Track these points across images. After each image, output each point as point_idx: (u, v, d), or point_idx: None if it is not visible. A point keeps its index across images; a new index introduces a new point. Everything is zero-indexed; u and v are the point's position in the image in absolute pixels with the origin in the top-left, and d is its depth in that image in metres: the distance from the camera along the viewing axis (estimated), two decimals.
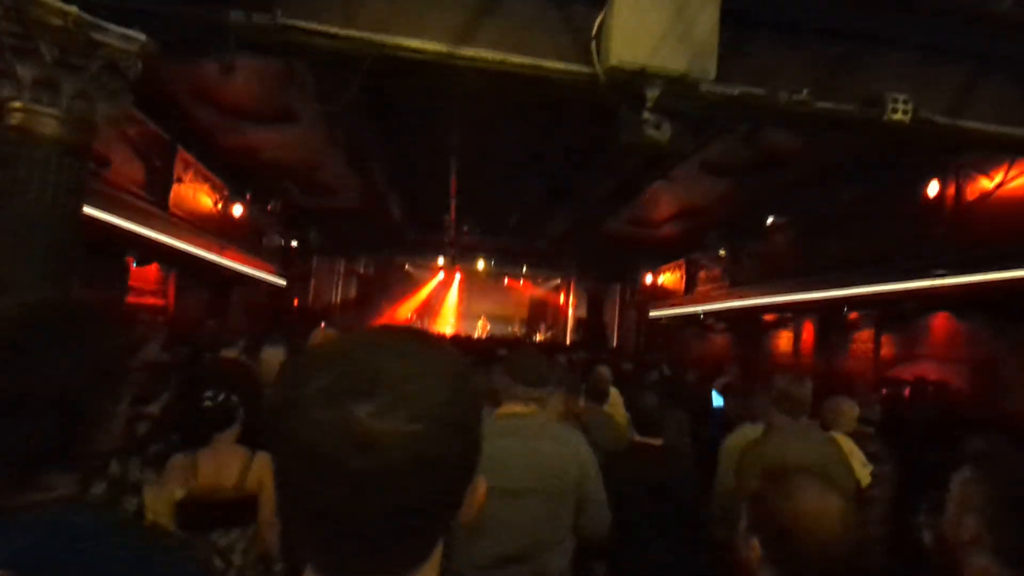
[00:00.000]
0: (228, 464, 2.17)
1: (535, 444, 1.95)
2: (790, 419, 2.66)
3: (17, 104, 2.46)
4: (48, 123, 2.50)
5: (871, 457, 3.43)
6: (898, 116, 3.02)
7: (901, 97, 3.04)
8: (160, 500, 2.10)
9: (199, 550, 1.78)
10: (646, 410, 2.91)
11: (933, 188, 7.04)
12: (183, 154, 8.25)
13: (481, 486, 0.59)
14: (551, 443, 1.99)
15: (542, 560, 1.89)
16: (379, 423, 0.49)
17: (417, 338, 0.60)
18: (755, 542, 1.12)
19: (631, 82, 2.83)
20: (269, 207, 11.61)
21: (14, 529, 0.76)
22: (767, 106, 2.99)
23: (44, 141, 2.53)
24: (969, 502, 1.18)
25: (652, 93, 2.81)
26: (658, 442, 2.88)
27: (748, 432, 3.19)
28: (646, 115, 2.88)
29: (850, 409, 3.74)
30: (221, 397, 2.23)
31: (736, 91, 2.97)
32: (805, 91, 3.00)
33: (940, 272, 6.72)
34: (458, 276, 19.16)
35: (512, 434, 1.94)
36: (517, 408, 2.03)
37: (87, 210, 4.84)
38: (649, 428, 2.90)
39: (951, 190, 6.93)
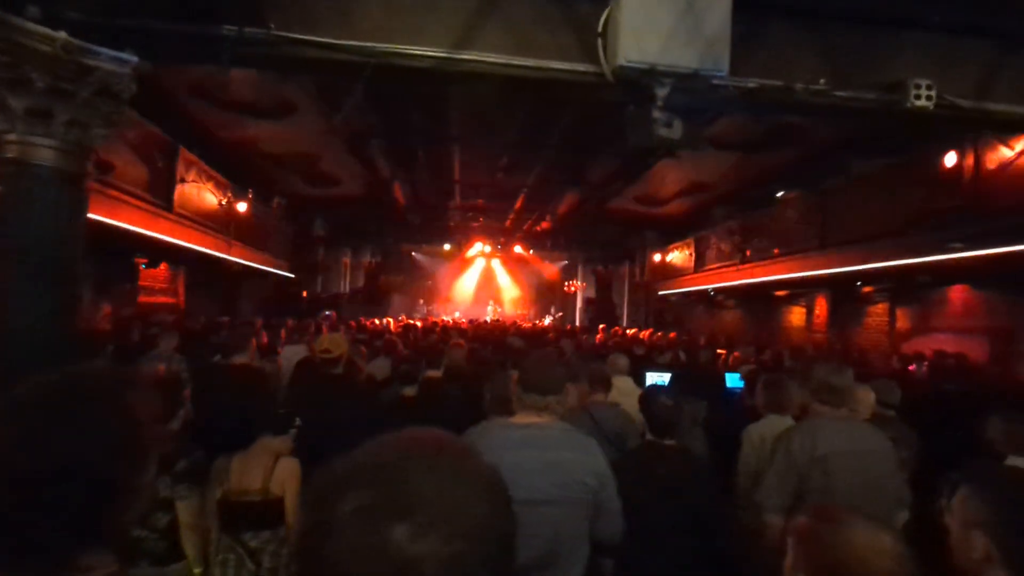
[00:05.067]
0: (254, 469, 2.29)
1: (555, 454, 1.96)
2: (830, 409, 2.60)
3: (12, 137, 2.41)
4: (44, 153, 2.46)
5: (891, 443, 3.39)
6: (921, 102, 2.89)
7: (924, 82, 2.90)
8: (208, 501, 2.26)
9: None
10: (661, 413, 2.86)
11: (951, 159, 6.81)
12: (185, 153, 8.18)
13: None
14: (571, 452, 2.01)
15: (560, 568, 1.91)
16: (417, 546, 0.47)
17: (447, 446, 0.58)
18: None
19: (640, 81, 2.72)
20: (275, 201, 11.56)
21: None
22: (784, 98, 2.87)
23: (41, 170, 2.49)
24: (972, 519, 1.17)
25: (662, 92, 2.69)
26: (671, 442, 2.83)
27: (775, 422, 3.14)
28: (656, 114, 2.77)
29: (866, 395, 3.67)
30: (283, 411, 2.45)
31: (751, 84, 2.84)
32: (823, 81, 2.87)
33: (957, 245, 6.56)
34: (465, 261, 19.10)
35: (531, 445, 1.94)
36: (532, 418, 2.04)
37: (94, 216, 4.85)
38: (663, 431, 2.85)
39: (969, 160, 6.71)
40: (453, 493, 0.51)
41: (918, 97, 2.91)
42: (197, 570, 2.28)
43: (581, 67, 2.82)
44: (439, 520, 0.48)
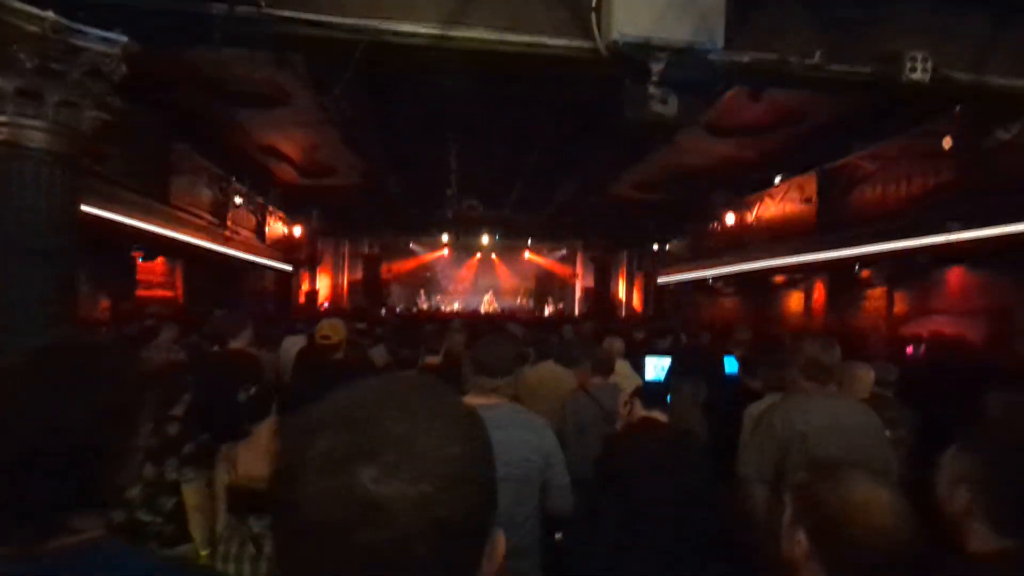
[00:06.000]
0: (262, 456, 2.28)
1: (501, 434, 2.02)
2: (817, 385, 2.60)
3: (2, 118, 2.39)
4: (35, 135, 2.44)
5: (888, 422, 3.41)
6: (917, 75, 2.87)
7: (919, 54, 2.88)
8: (217, 483, 2.29)
9: None
10: (652, 383, 2.86)
11: (948, 139, 6.79)
12: (179, 144, 8.14)
13: (500, 541, 0.56)
14: (517, 432, 2.08)
15: (510, 540, 1.95)
16: (384, 487, 0.45)
17: (422, 388, 0.56)
18: (801, 535, 1.09)
19: (634, 55, 2.70)
20: (270, 192, 11.52)
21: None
22: (779, 72, 2.85)
23: (32, 153, 2.47)
24: (959, 474, 1.19)
25: (657, 66, 2.68)
26: (664, 418, 2.82)
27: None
28: (651, 89, 2.75)
29: (865, 374, 3.68)
30: (253, 391, 2.35)
31: (746, 58, 2.82)
32: (818, 54, 2.85)
33: (955, 226, 6.55)
34: (463, 251, 19.08)
35: None
36: (480, 399, 2.10)
37: (87, 208, 4.82)
38: (654, 401, 2.83)
39: (967, 139, 6.68)
40: (424, 435, 0.49)
41: (913, 70, 2.89)
42: (203, 552, 2.30)
43: (575, 43, 2.80)
44: (408, 462, 0.46)
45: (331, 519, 0.45)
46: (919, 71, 2.88)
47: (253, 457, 2.28)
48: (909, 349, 7.69)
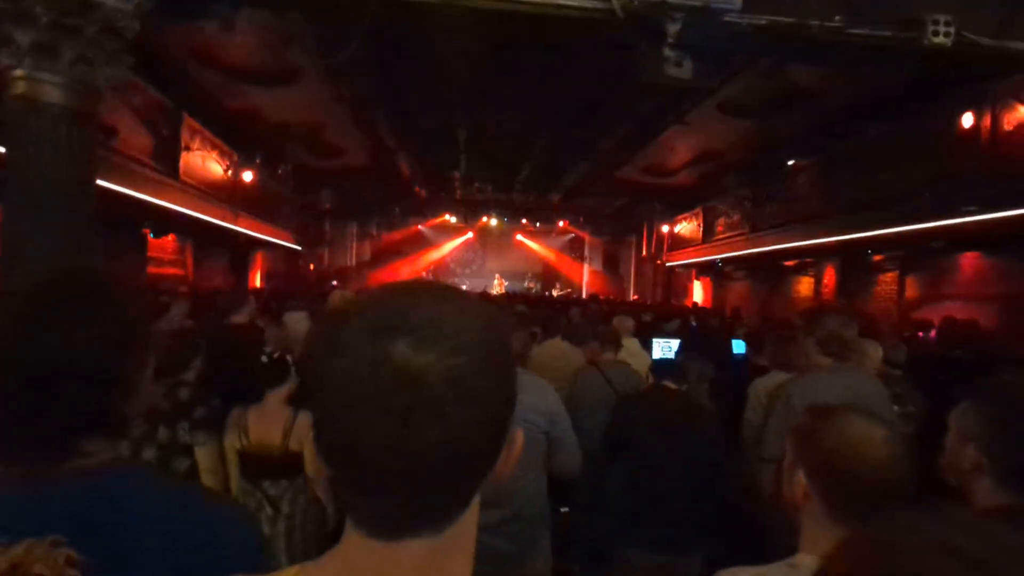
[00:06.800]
0: (273, 424, 2.30)
1: None
2: (834, 361, 2.58)
3: (19, 72, 2.40)
4: (51, 91, 2.45)
5: (895, 398, 3.40)
6: (939, 39, 2.80)
7: (942, 18, 2.81)
8: (227, 447, 2.31)
9: (244, 508, 1.87)
10: (665, 358, 2.87)
11: (967, 120, 6.65)
12: (189, 121, 8.13)
13: (519, 438, 0.58)
14: (520, 394, 2.04)
15: (515, 503, 1.99)
16: (419, 356, 0.48)
17: (453, 287, 0.60)
18: (800, 476, 1.10)
19: (650, 16, 2.66)
20: (280, 171, 11.53)
21: (60, 495, 0.78)
22: (797, 35, 2.79)
23: (49, 109, 2.48)
24: (968, 432, 1.19)
25: (673, 27, 2.64)
26: (673, 385, 2.85)
27: (779, 379, 3.15)
28: (667, 51, 2.71)
29: (874, 351, 3.67)
30: (276, 355, 2.36)
31: (763, 20, 2.77)
32: (838, 17, 2.79)
33: (971, 208, 6.45)
34: (471, 233, 19.09)
35: None
36: None
37: (99, 182, 4.86)
38: (667, 374, 2.87)
39: (986, 121, 6.54)
40: (457, 319, 0.52)
41: (936, 34, 2.82)
42: None
43: (589, 3, 2.76)
44: (441, 338, 0.49)
45: (369, 385, 0.47)
46: (941, 35, 2.81)
47: (265, 424, 2.30)
48: (920, 334, 7.63)
